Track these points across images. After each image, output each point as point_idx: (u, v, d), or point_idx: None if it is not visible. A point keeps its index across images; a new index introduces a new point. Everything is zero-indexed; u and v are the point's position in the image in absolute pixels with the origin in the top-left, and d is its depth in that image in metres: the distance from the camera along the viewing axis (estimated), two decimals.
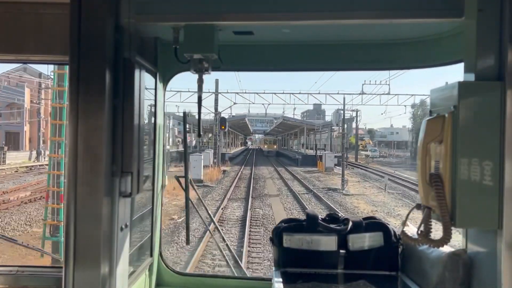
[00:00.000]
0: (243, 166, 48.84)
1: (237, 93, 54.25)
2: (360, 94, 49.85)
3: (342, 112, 39.79)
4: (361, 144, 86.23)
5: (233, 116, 70.29)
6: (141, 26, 2.73)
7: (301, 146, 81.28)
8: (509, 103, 2.01)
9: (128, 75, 2.38)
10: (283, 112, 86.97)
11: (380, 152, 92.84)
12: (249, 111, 78.55)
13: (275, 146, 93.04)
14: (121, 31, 2.36)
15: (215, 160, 40.91)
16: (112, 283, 2.34)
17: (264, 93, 54.04)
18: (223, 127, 38.56)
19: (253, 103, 64.72)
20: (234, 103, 54.43)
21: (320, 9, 2.53)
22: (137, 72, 2.47)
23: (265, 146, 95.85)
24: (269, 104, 56.16)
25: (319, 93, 63.12)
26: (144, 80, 2.65)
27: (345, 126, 38.28)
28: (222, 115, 46.12)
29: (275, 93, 54.42)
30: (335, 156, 50.27)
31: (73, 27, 2.28)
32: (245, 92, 55.37)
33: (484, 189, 2.02)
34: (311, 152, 68.27)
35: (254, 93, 56.93)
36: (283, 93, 54.85)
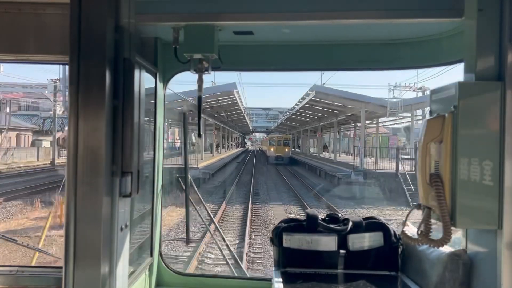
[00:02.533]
0: (220, 213, 19.17)
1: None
2: None
3: None
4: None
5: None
6: (141, 26, 2.73)
7: (322, 148, 57.01)
8: (509, 103, 2.01)
9: (128, 75, 2.38)
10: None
11: None
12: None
13: (286, 149, 57.52)
14: (121, 31, 2.36)
15: None
16: (112, 283, 2.34)
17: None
18: None
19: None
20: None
21: (320, 9, 2.54)
22: (137, 72, 2.47)
23: (271, 149, 58.50)
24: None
25: None
26: (144, 80, 2.65)
27: None
28: None
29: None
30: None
31: (73, 27, 2.28)
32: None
33: (484, 189, 2.02)
34: (348, 158, 41.05)
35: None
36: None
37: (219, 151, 64.12)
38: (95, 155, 2.26)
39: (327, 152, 64.42)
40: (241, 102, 48.35)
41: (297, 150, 77.70)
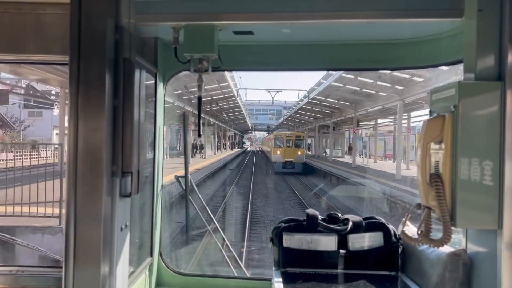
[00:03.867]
0: None
1: None
2: None
3: None
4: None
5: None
6: (141, 26, 2.73)
7: (345, 150, 43.14)
8: (509, 103, 2.01)
9: (128, 75, 2.38)
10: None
11: None
12: None
13: (299, 152, 42.56)
14: (121, 31, 2.36)
15: None
16: (112, 283, 2.34)
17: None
18: None
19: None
20: None
21: (320, 9, 2.54)
22: (137, 72, 2.47)
23: (278, 152, 42.80)
24: None
25: None
26: (144, 80, 2.65)
27: None
28: None
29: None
30: None
31: (73, 27, 2.28)
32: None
33: (484, 189, 2.02)
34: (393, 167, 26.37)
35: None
36: None
37: (202, 155, 45.07)
38: (95, 155, 2.26)
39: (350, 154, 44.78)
40: (233, 80, 32.83)
41: (308, 152, 58.31)
